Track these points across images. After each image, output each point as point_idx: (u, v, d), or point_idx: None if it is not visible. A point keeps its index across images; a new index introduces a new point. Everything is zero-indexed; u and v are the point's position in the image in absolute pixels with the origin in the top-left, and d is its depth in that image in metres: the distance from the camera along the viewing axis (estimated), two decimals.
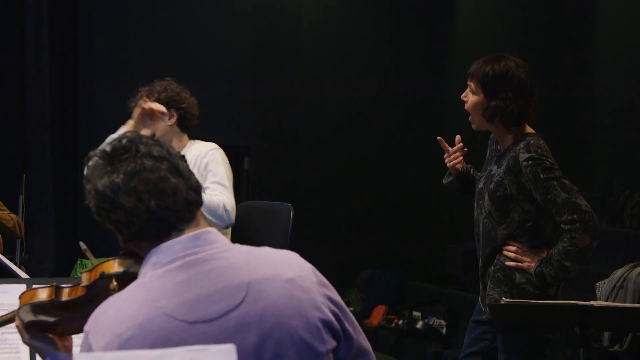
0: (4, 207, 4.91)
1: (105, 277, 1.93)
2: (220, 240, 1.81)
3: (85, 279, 1.98)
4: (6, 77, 7.10)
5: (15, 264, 5.96)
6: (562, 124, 8.45)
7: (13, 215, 4.94)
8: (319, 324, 1.76)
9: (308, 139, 7.98)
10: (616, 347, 4.58)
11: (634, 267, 4.65)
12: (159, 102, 3.80)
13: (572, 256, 3.13)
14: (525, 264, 3.22)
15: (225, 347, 1.48)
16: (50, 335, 2.05)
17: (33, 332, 2.04)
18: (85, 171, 1.85)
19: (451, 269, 7.48)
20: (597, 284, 4.78)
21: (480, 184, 3.36)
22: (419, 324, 6.58)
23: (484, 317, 3.39)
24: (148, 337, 1.68)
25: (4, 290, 2.51)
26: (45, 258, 6.81)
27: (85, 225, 7.22)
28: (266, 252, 1.84)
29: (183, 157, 1.85)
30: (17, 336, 2.46)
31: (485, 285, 3.35)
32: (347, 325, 1.84)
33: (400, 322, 6.76)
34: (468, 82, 3.29)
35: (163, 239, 1.79)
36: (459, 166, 3.52)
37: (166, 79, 3.92)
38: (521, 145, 3.19)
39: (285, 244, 3.94)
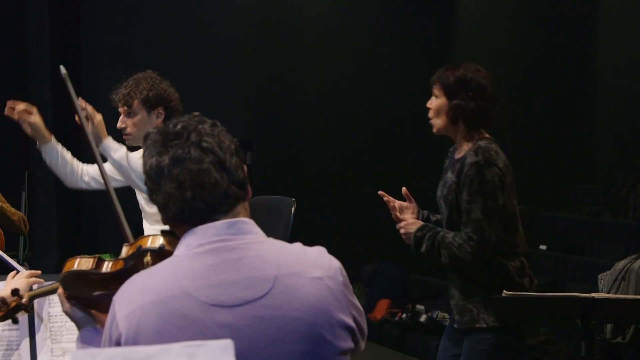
0: (6, 202, 4.90)
1: (142, 251, 2.00)
2: (254, 232, 1.84)
3: (124, 252, 2.05)
4: (8, 72, 7.11)
5: (19, 261, 5.98)
6: (566, 116, 8.44)
7: (19, 213, 4.94)
8: (340, 325, 1.78)
9: (310, 133, 7.99)
10: (618, 339, 4.58)
11: (636, 258, 4.65)
12: (148, 100, 3.75)
13: (449, 253, 3.23)
14: (404, 225, 3.36)
15: (223, 342, 1.49)
16: (92, 311, 2.11)
17: (75, 304, 2.11)
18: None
19: None
20: (600, 276, 4.79)
21: (438, 192, 3.45)
22: (423, 318, 6.58)
23: (455, 325, 3.40)
24: (168, 313, 1.71)
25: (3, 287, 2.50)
26: (49, 254, 6.84)
27: (87, 221, 7.24)
28: (297, 248, 1.86)
29: (236, 151, 1.85)
30: (18, 333, 2.48)
31: (452, 290, 3.40)
32: (363, 325, 1.87)
33: (404, 315, 6.77)
34: (432, 90, 3.41)
35: (197, 225, 1.82)
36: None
37: (147, 71, 3.85)
38: (472, 149, 3.29)
39: (285, 238, 3.94)
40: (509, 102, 8.07)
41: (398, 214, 3.45)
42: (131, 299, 1.75)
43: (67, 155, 3.79)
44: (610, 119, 8.05)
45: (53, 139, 3.70)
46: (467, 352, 3.33)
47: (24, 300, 2.25)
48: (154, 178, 1.82)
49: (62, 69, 2.67)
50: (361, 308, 1.89)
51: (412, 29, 8.19)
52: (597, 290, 4.67)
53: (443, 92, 3.36)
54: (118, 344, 1.73)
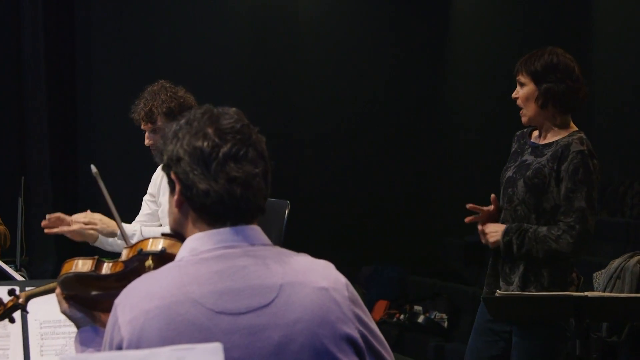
0: None
1: (143, 255, 1.98)
2: (261, 240, 1.84)
3: (124, 255, 2.03)
4: (4, 80, 7.11)
5: (16, 267, 5.98)
6: None
7: (2, 227, 4.90)
8: (344, 338, 1.77)
9: (308, 136, 7.98)
10: (614, 338, 4.58)
11: (631, 257, 4.65)
12: (171, 112, 3.65)
13: (545, 247, 3.20)
14: (488, 232, 3.29)
15: (212, 346, 1.48)
16: (93, 311, 2.10)
17: (73, 304, 2.10)
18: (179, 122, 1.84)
19: (452, 263, 7.48)
20: (594, 275, 4.79)
21: (510, 173, 3.37)
22: (421, 318, 6.59)
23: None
24: (173, 319, 1.69)
25: None
26: (46, 260, 6.83)
27: None
28: (305, 259, 1.85)
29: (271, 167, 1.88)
30: (4, 342, 2.48)
31: (504, 278, 3.33)
32: (375, 344, 1.84)
33: (402, 316, 6.77)
34: (517, 78, 3.37)
35: (211, 225, 1.80)
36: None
37: (159, 81, 3.80)
38: (576, 137, 3.28)
39: (279, 240, 3.93)
40: (506, 104, 8.08)
41: (480, 225, 3.36)
42: (134, 303, 1.73)
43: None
44: (607, 118, 8.05)
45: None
46: (525, 346, 3.26)
47: (20, 300, 2.25)
48: (204, 162, 1.77)
49: (93, 168, 2.69)
50: (380, 335, 1.86)
51: (408, 33, 8.17)
52: (592, 289, 4.67)
53: (530, 79, 3.32)
54: (119, 348, 1.71)
